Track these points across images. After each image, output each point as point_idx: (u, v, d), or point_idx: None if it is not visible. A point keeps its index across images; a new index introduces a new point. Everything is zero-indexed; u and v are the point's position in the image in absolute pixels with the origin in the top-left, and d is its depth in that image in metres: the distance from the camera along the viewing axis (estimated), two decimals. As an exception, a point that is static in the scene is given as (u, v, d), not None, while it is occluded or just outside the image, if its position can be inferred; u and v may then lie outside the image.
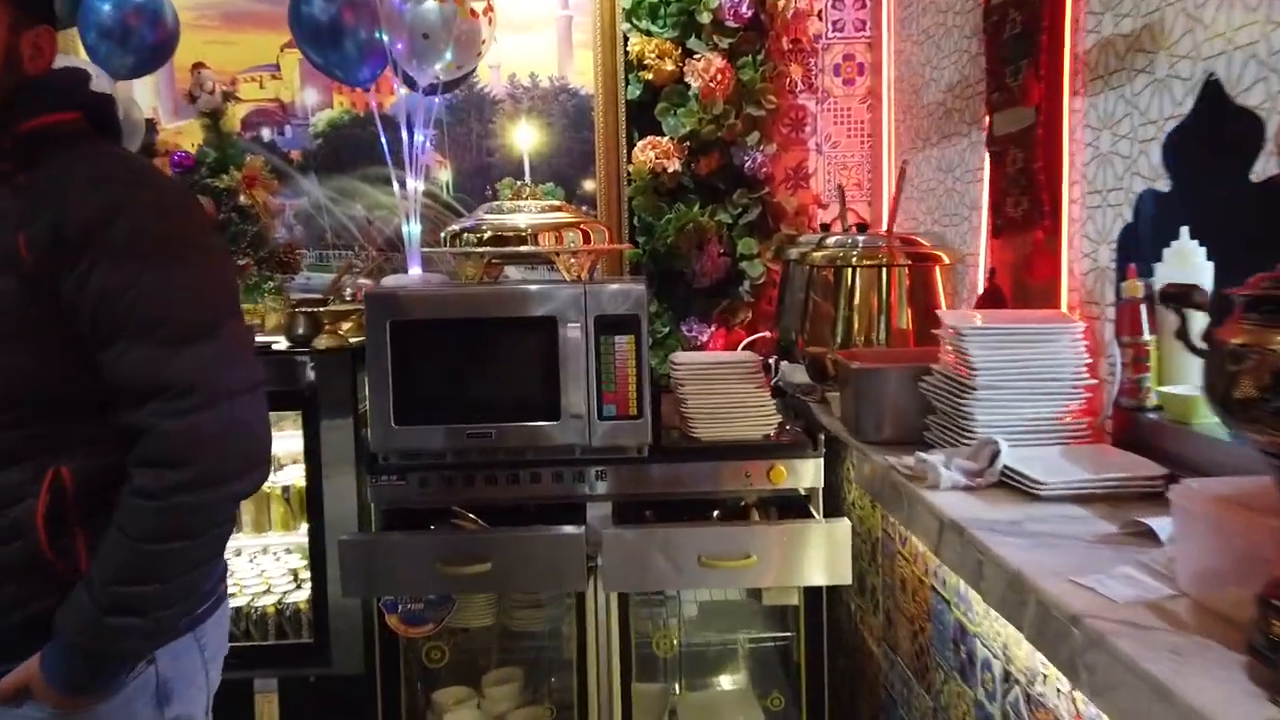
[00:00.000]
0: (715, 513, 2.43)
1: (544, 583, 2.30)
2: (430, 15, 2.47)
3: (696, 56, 3.03)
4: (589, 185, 3.28)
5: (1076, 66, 1.83)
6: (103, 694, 1.34)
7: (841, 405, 2.15)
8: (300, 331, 2.66)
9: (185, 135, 3.23)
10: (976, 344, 1.71)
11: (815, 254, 2.40)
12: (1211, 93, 1.44)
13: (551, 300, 2.32)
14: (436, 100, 2.71)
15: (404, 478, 2.37)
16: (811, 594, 2.31)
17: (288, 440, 2.79)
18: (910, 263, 2.27)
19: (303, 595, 2.74)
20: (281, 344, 2.71)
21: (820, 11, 3.18)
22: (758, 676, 2.68)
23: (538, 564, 2.20)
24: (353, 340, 2.66)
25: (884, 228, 2.46)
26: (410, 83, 2.61)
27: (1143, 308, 1.63)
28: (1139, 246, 1.66)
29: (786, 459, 2.30)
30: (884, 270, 2.28)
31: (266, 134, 3.30)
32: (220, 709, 1.62)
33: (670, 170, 3.04)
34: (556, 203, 2.64)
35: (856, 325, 2.30)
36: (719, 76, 2.99)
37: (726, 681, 2.72)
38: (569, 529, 2.20)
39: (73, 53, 2.75)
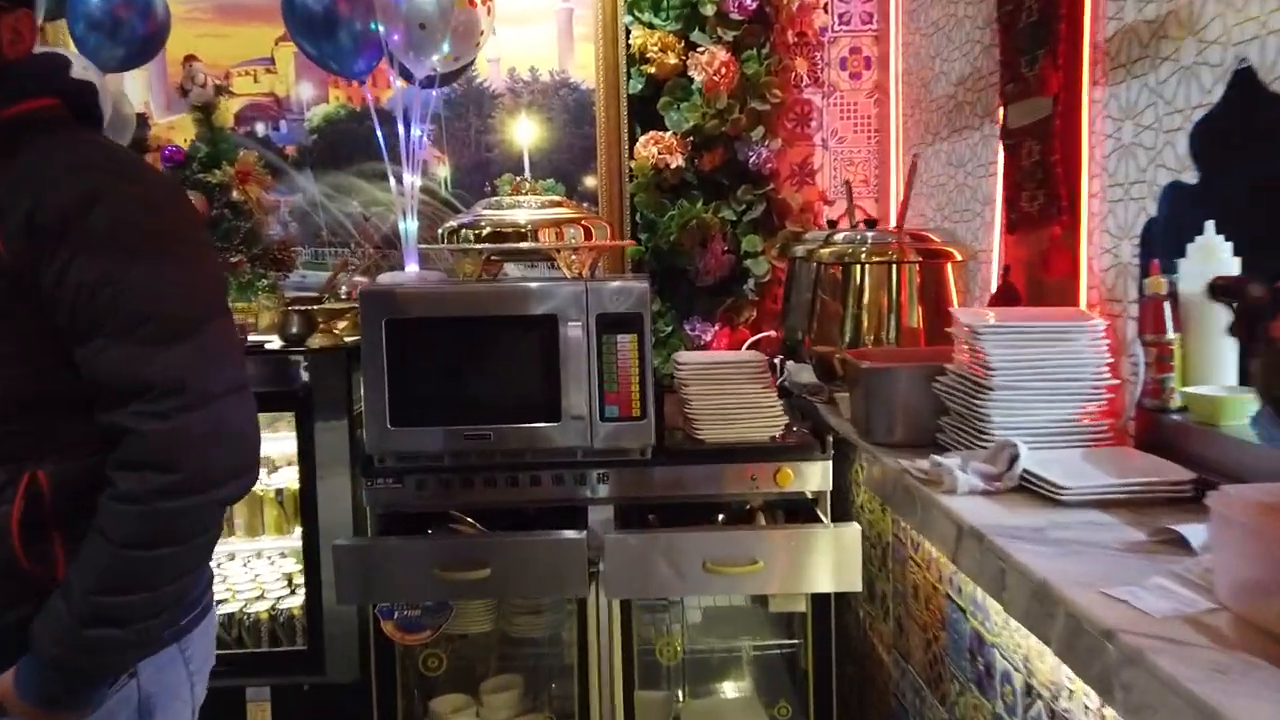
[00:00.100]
0: (720, 517, 2.36)
1: (544, 589, 2.24)
2: (427, 5, 2.40)
3: (700, 49, 2.96)
4: (590, 181, 3.21)
5: (1096, 55, 1.77)
6: (81, 709, 1.27)
7: (851, 406, 2.08)
8: (294, 331, 2.60)
9: (178, 130, 3.16)
10: (993, 342, 1.65)
11: (823, 251, 2.34)
12: (1243, 80, 1.37)
13: (552, 298, 2.26)
14: (434, 94, 2.65)
15: (400, 480, 2.31)
16: (819, 601, 2.25)
17: (282, 442, 2.73)
18: (921, 259, 2.20)
19: (297, 601, 2.68)
20: (275, 343, 2.65)
21: (826, 4, 3.12)
22: (763, 684, 2.62)
23: (538, 569, 2.14)
24: (348, 339, 2.60)
25: (893, 224, 2.39)
26: (407, 75, 2.54)
27: (1166, 305, 1.56)
28: (1163, 241, 1.60)
29: (793, 461, 2.23)
30: (894, 267, 2.21)
31: (261, 129, 3.24)
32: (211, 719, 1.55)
33: (673, 166, 2.97)
34: (557, 198, 2.58)
35: (866, 324, 2.23)
36: (723, 70, 2.93)
37: (731, 689, 2.65)
38: (570, 534, 2.14)
39: (61, 45, 2.69)
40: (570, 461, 2.28)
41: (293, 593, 2.76)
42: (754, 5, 2.94)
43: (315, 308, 2.61)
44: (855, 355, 2.03)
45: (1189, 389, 1.53)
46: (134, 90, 3.12)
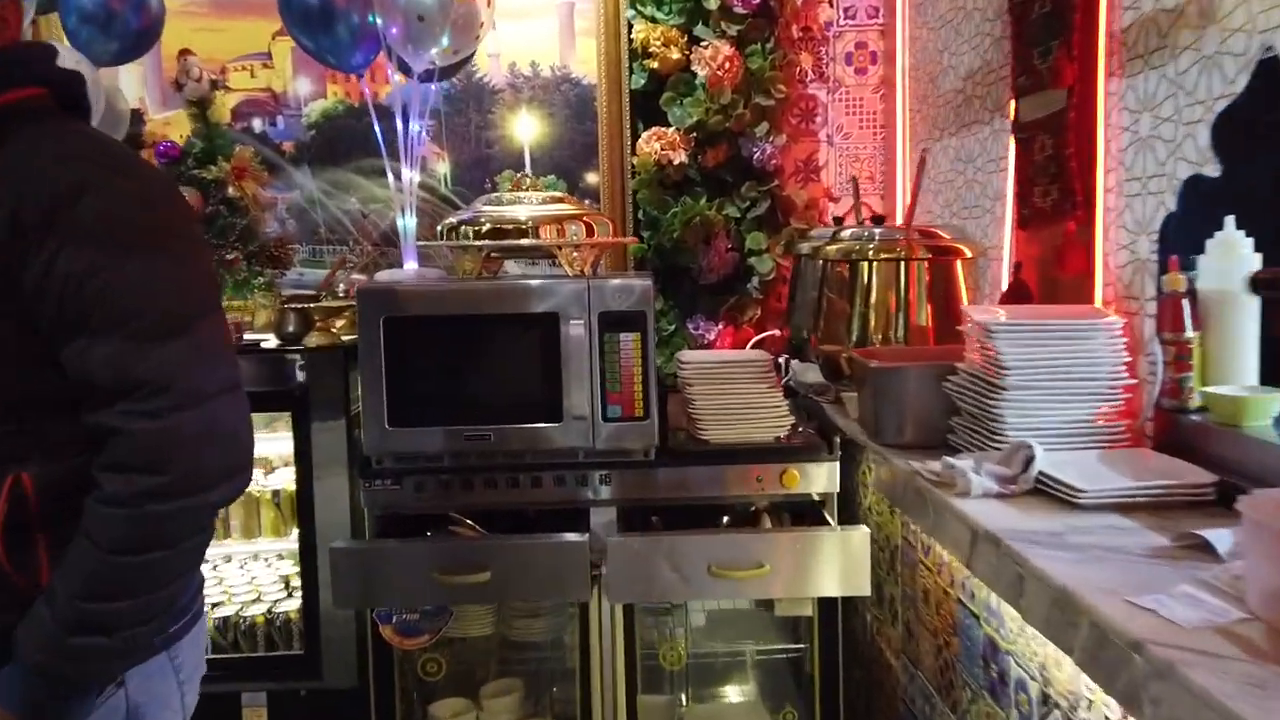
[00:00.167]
0: (725, 519, 2.32)
1: (546, 593, 2.19)
2: (426, -2, 2.36)
3: (703, 44, 2.92)
4: (592, 178, 3.17)
5: (1113, 46, 1.72)
6: (67, 720, 1.23)
7: (859, 406, 2.04)
8: (290, 329, 2.55)
9: (174, 126, 3.12)
10: (1007, 341, 1.60)
11: (829, 248, 2.29)
12: (1268, 69, 1.33)
13: (553, 296, 2.21)
14: (433, 88, 2.60)
15: (399, 482, 2.26)
16: (826, 605, 2.21)
17: (279, 442, 2.69)
18: (930, 256, 2.16)
19: (294, 604, 2.64)
20: (271, 342, 2.60)
21: (831, -2, 3.07)
22: (768, 689, 2.57)
23: (539, 573, 2.10)
24: (345, 338, 2.55)
25: (901, 220, 2.35)
26: (405, 69, 2.50)
27: (1185, 302, 1.52)
28: (1182, 237, 1.55)
29: (800, 462, 2.19)
30: (902, 265, 2.17)
31: (258, 125, 3.20)
32: (205, 726, 1.51)
33: (676, 162, 2.93)
34: (558, 194, 2.53)
35: (873, 322, 2.19)
36: (727, 65, 2.88)
37: (735, 693, 2.61)
38: (571, 537, 2.09)
39: (54, 38, 2.65)
40: (572, 462, 2.23)
41: (290, 596, 2.72)
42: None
43: (312, 306, 2.57)
44: (863, 354, 1.99)
45: (1209, 389, 1.49)
46: (129, 85, 3.07)
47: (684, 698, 2.53)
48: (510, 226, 2.34)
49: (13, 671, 1.22)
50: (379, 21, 2.42)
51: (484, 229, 2.35)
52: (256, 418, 2.66)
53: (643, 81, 3.00)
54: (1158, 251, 1.60)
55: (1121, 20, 1.69)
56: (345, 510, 2.48)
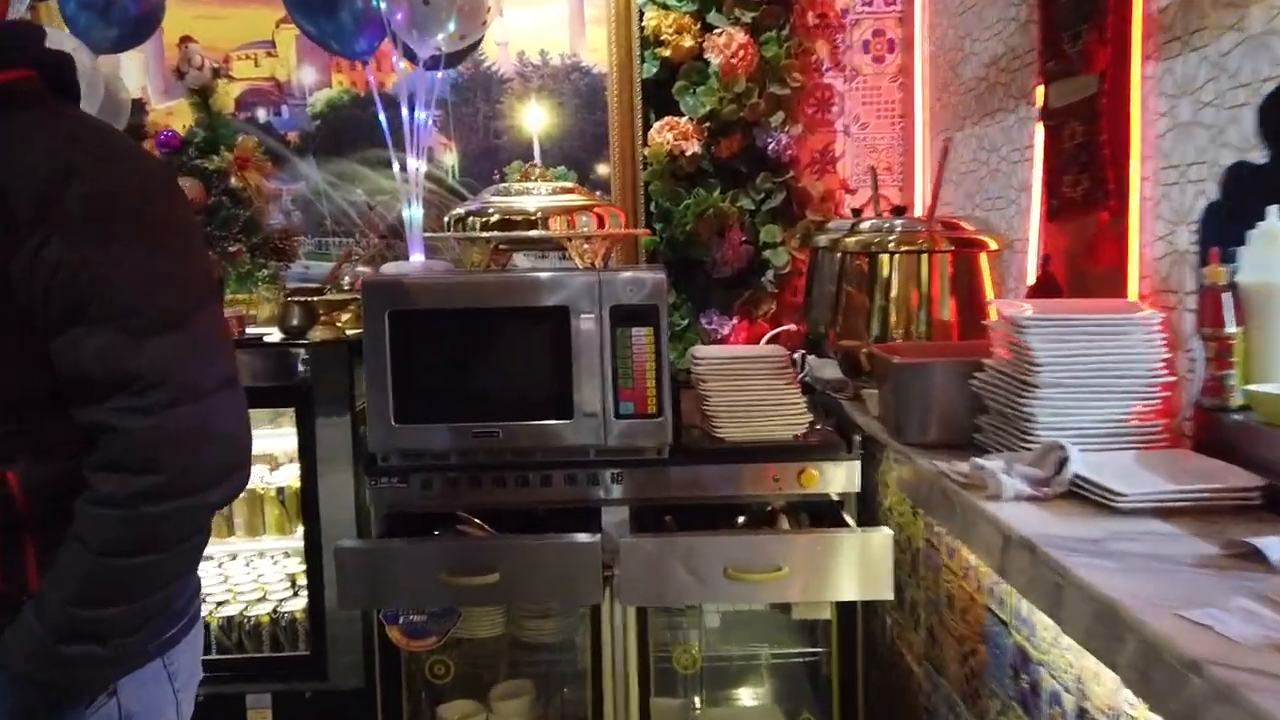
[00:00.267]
0: (740, 519, 2.25)
1: (556, 595, 2.13)
2: (433, -18, 2.29)
3: (717, 31, 2.85)
4: (603, 169, 3.10)
5: (1149, 28, 1.65)
6: (56, 732, 1.17)
7: (880, 403, 1.98)
8: (294, 323, 2.50)
9: (176, 116, 3.06)
10: (1039, 336, 1.53)
11: (848, 240, 2.23)
12: (1322, 48, 1.26)
13: (563, 289, 2.15)
14: (439, 76, 2.54)
15: (405, 480, 2.20)
16: (845, 608, 2.14)
17: (284, 439, 2.64)
18: (953, 249, 2.09)
19: (300, 603, 2.58)
20: (275, 336, 2.55)
21: (848, -16, 2.99)
22: (783, 692, 2.51)
23: (549, 574, 2.03)
24: (350, 332, 2.49)
25: (922, 212, 2.28)
26: (410, 56, 2.43)
27: (1226, 296, 1.45)
28: (1223, 227, 1.48)
29: (818, 461, 2.12)
30: (924, 257, 2.10)
31: (262, 115, 3.14)
32: (209, 728, 1.46)
33: (689, 153, 2.86)
34: (568, 185, 2.47)
35: (894, 317, 2.12)
36: (741, 53, 2.81)
37: (749, 696, 2.55)
38: (582, 537, 2.03)
39: (53, 25, 2.59)
40: (583, 461, 2.17)
41: (295, 595, 2.66)
42: (773, -15, 2.82)
43: (316, 299, 2.51)
44: (884, 350, 1.93)
45: (1252, 387, 1.42)
46: (131, 74, 3.02)
47: (698, 700, 2.47)
48: (519, 218, 2.28)
49: (0, 680, 1.17)
50: (383, 6, 2.35)
51: (492, 220, 2.28)
52: (260, 413, 2.63)
53: (654, 70, 2.92)
54: (1198, 243, 1.53)
55: (1158, 0, 1.62)
56: (351, 508, 2.43)
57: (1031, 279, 2.03)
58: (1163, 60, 1.61)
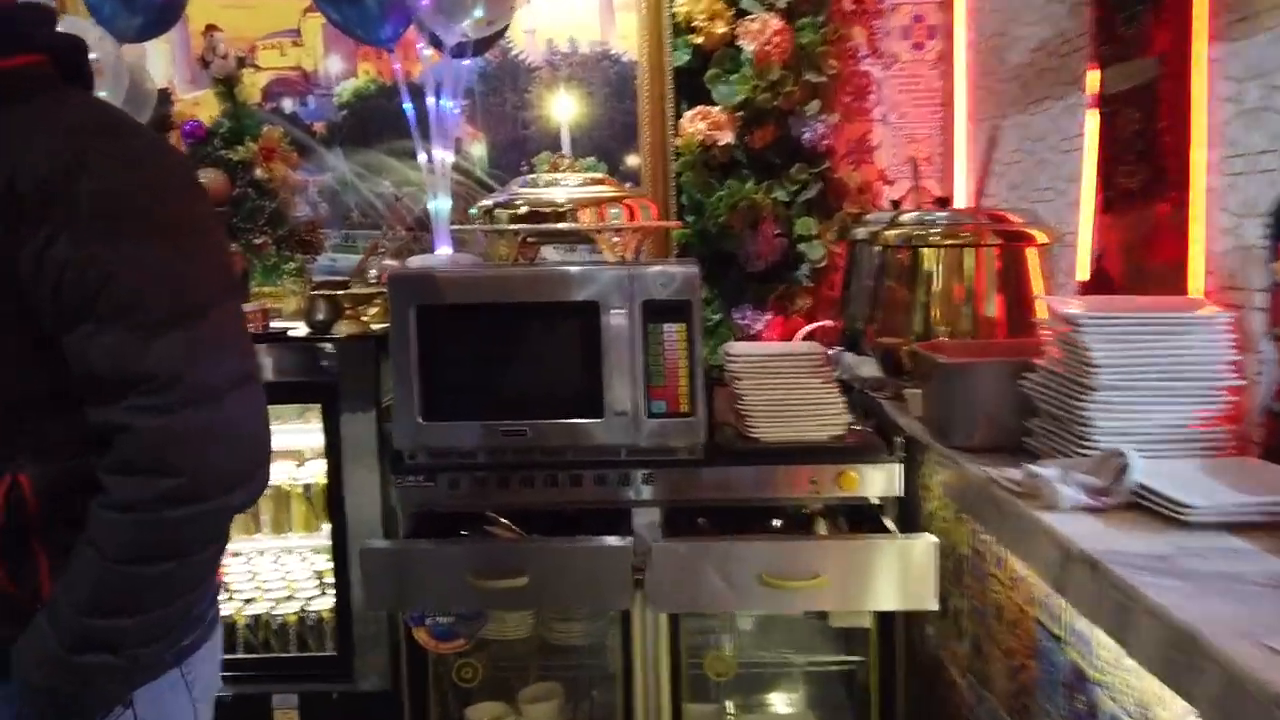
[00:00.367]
0: (776, 522, 2.18)
1: (586, 599, 2.07)
2: (458, -34, 2.23)
3: (750, 17, 2.76)
4: (633, 160, 3.03)
5: (1214, 6, 1.55)
6: (72, 743, 1.13)
7: (923, 404, 1.90)
8: (320, 317, 2.45)
9: (203, 106, 3.02)
10: (1097, 336, 1.45)
11: (888, 233, 2.14)
12: None
13: (593, 283, 2.09)
14: (466, 64, 2.47)
15: (432, 478, 2.15)
16: (886, 615, 2.07)
17: (311, 434, 2.60)
18: (1001, 242, 2.00)
19: (327, 603, 2.54)
20: (301, 330, 2.50)
21: (886, -32, 2.90)
22: (818, 699, 2.44)
23: (578, 577, 1.98)
24: (376, 327, 2.44)
25: (967, 204, 2.19)
26: (436, 43, 2.37)
27: (1299, 294, 1.36)
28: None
29: (858, 464, 2.04)
30: (969, 251, 2.02)
31: (288, 105, 3.10)
32: (235, 728, 1.41)
33: (721, 143, 2.78)
34: (598, 176, 2.40)
35: (937, 313, 2.04)
36: (775, 39, 2.72)
37: (782, 703, 2.48)
38: (613, 540, 1.97)
39: (76, 13, 2.56)
40: (613, 461, 2.11)
41: (323, 593, 2.63)
42: (809, -31, 2.73)
43: (342, 293, 2.46)
44: (928, 348, 1.85)
45: (1329, 391, 1.33)
46: (157, 64, 2.98)
47: (730, 706, 2.40)
48: (548, 209, 2.22)
49: (12, 691, 1.13)
50: (409, -9, 2.29)
51: (520, 212, 2.23)
52: (288, 409, 2.58)
53: (686, 58, 2.84)
54: (1268, 237, 1.43)
55: (1226, -22, 1.52)
56: (377, 506, 2.38)
57: (1083, 274, 1.93)
58: (1229, 41, 1.52)
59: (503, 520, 2.18)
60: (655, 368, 2.07)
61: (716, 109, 2.80)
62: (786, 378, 2.11)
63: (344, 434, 2.38)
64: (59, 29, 1.21)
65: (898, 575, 1.84)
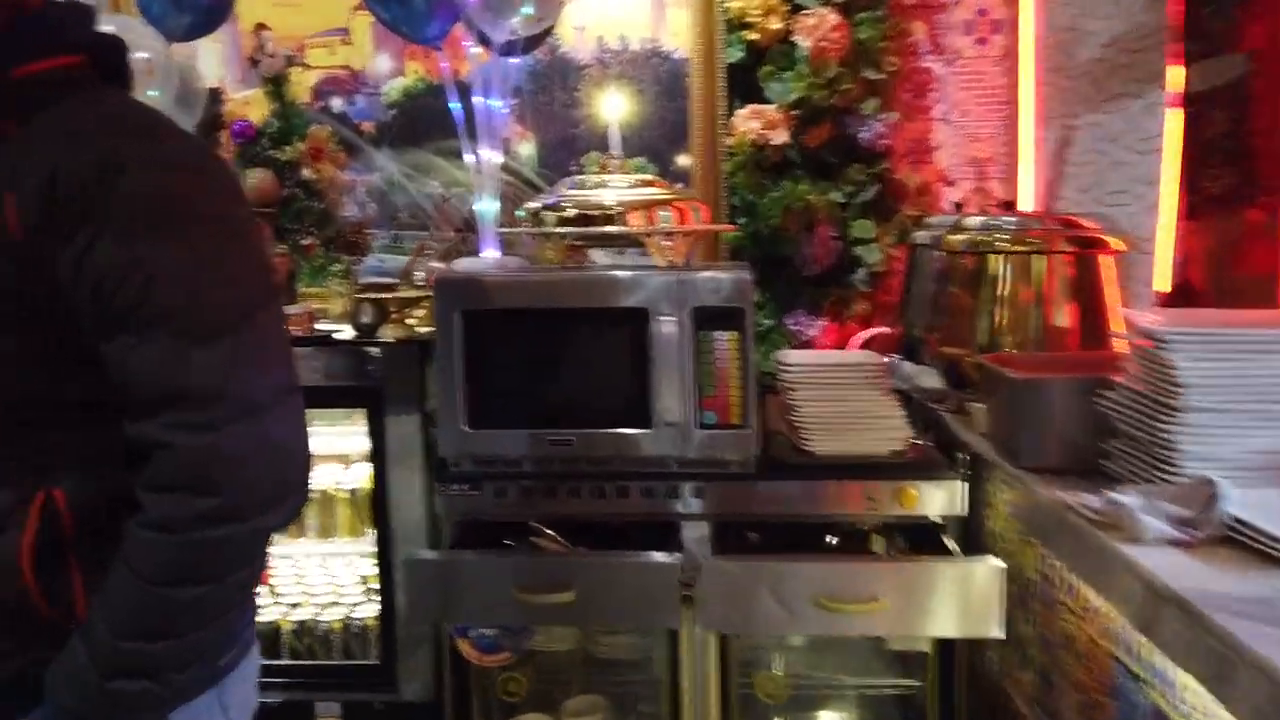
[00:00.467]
0: (831, 539, 2.09)
1: (633, 616, 2.01)
2: (508, -39, 2.18)
3: (807, 12, 2.67)
4: (682, 160, 2.96)
5: (1318, 0, 1.44)
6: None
7: (989, 420, 1.81)
8: (366, 320, 2.42)
9: (254, 106, 3.01)
10: (1185, 354, 1.35)
11: (952, 238, 2.05)
12: None
13: (642, 289, 2.02)
14: (515, 62, 2.42)
15: (478, 487, 2.11)
16: (946, 639, 1.97)
17: (357, 437, 2.57)
18: (1073, 249, 1.89)
19: (372, 610, 2.51)
20: (346, 333, 2.48)
21: (949, -39, 2.79)
22: (870, 720, 2.36)
23: (625, 593, 1.92)
24: (422, 330, 2.41)
25: (1034, 206, 2.09)
26: (484, 41, 2.32)
27: None
28: None
29: (918, 480, 1.95)
30: (1039, 258, 1.92)
31: (337, 104, 3.07)
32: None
33: (775, 142, 2.69)
34: (648, 177, 2.33)
35: (1004, 323, 1.94)
36: (833, 35, 2.63)
37: (833, 721, 2.39)
38: (661, 556, 1.91)
39: (128, 12, 2.55)
40: (662, 472, 2.04)
41: (368, 599, 2.60)
42: (868, -38, 2.63)
43: (388, 296, 2.43)
44: (996, 360, 1.76)
45: None
46: (209, 63, 2.97)
47: (780, 723, 2.33)
48: (596, 212, 2.16)
49: (46, 714, 1.09)
50: (458, -12, 2.24)
51: (567, 214, 2.17)
52: (334, 413, 2.55)
53: (740, 55, 2.76)
54: (1376, 249, 1.33)
55: (1331, -31, 1.41)
56: (422, 512, 2.35)
57: (1162, 285, 1.83)
58: (1334, 38, 1.41)
59: (548, 531, 2.13)
60: (706, 377, 2.00)
61: (771, 107, 2.72)
62: (844, 389, 2.02)
63: (389, 439, 2.34)
64: (101, 28, 1.17)
65: (960, 600, 1.76)
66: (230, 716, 1.24)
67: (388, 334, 2.38)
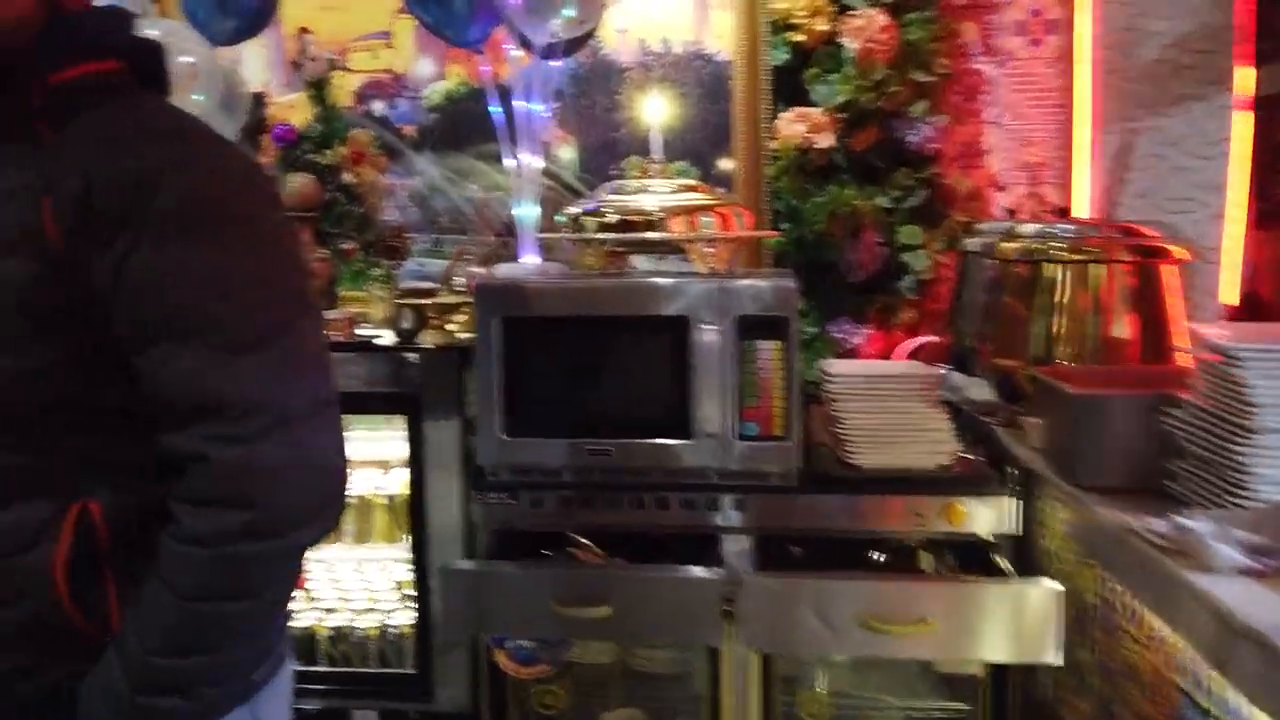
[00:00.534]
0: (876, 555, 2.03)
1: (672, 632, 1.96)
2: (550, -36, 2.15)
3: (854, 13, 2.61)
4: (724, 164, 2.91)
5: (1404, -2, 1.36)
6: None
7: (1044, 435, 1.74)
8: (405, 325, 2.40)
9: (297, 109, 3.01)
10: (1258, 371, 1.28)
11: (1006, 245, 1.98)
12: None
13: (682, 296, 1.99)
14: (556, 65, 2.39)
15: (515, 496, 2.08)
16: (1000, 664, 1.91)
17: (395, 442, 2.55)
18: (1134, 259, 1.82)
19: (408, 617, 2.50)
20: (386, 338, 2.46)
21: (1002, -41, 2.71)
22: (916, 741, 2.29)
23: (664, 609, 1.88)
24: (462, 335, 2.38)
25: (1090, 213, 2.02)
26: (525, 43, 2.29)
27: None
28: None
29: (968, 496, 1.89)
30: (1098, 268, 1.84)
31: (379, 108, 3.06)
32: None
33: (821, 146, 2.63)
34: (690, 182, 2.29)
35: (1059, 334, 1.87)
36: (881, 36, 2.57)
37: (877, 742, 2.33)
38: (702, 572, 1.86)
39: (173, 17, 2.56)
40: (702, 484, 2.00)
41: (404, 606, 2.58)
42: (918, -39, 2.57)
43: (428, 302, 2.41)
44: (1052, 374, 1.69)
45: None
46: (253, 67, 2.98)
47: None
48: (637, 217, 2.12)
49: (79, 731, 1.08)
50: (498, -10, 2.22)
51: (608, 220, 2.13)
52: (374, 418, 2.54)
53: (785, 57, 2.71)
54: None
55: None
56: (459, 520, 2.33)
57: (1228, 297, 1.75)
58: None
59: (585, 541, 2.10)
60: (749, 387, 1.96)
61: (816, 110, 2.66)
62: (891, 400, 1.97)
63: (427, 445, 2.32)
64: (141, 33, 1.16)
65: (1014, 624, 1.69)
66: (264, 730, 1.22)
67: (427, 340, 2.36)
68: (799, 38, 2.67)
